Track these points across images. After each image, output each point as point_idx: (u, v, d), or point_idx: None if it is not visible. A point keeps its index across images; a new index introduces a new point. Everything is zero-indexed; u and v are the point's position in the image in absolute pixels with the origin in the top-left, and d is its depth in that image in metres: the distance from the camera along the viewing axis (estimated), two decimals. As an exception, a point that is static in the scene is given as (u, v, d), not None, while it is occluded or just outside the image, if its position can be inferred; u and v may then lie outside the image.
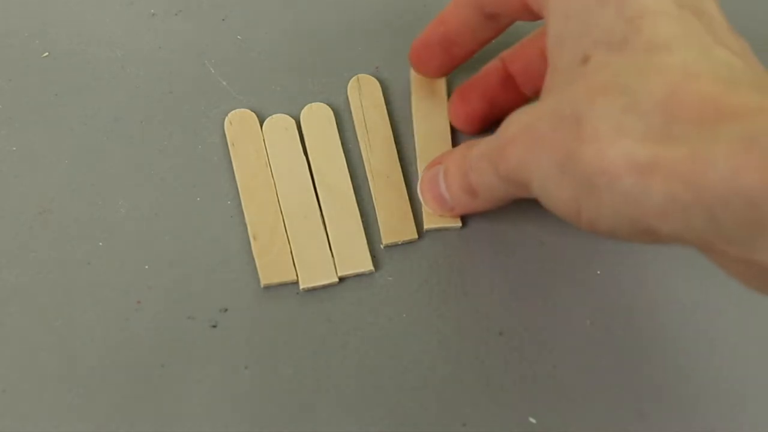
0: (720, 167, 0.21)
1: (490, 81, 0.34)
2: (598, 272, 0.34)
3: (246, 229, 0.33)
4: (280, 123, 0.35)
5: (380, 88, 0.36)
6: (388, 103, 0.36)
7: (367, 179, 0.35)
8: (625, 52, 0.24)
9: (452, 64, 0.35)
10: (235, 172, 0.34)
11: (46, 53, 0.37)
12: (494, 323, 0.33)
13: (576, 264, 0.34)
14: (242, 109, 0.35)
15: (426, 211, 0.34)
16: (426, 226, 0.34)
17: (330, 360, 0.32)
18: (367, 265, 0.33)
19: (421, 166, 0.35)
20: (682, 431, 0.31)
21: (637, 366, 0.32)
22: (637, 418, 0.31)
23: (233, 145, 0.35)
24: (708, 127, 0.22)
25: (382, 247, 0.34)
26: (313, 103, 0.36)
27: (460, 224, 0.34)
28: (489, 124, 0.35)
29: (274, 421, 0.31)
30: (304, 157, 0.35)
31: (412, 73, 0.36)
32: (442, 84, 0.36)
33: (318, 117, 0.35)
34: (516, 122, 0.27)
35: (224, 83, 0.36)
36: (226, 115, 0.35)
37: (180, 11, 0.38)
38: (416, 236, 0.34)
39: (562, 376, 0.32)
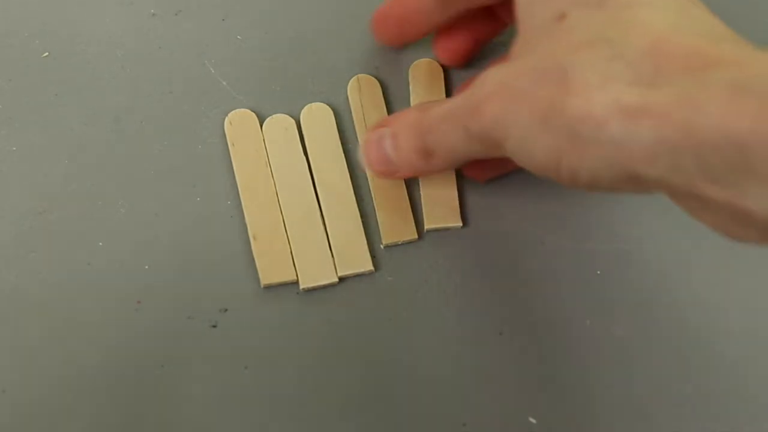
0: (710, 112, 0.21)
1: (471, 14, 0.34)
2: (598, 272, 0.34)
3: (246, 229, 0.33)
4: (280, 123, 0.35)
5: (380, 88, 0.36)
6: (388, 103, 0.36)
7: (367, 179, 0.35)
8: (602, 9, 0.25)
9: (407, 40, 0.36)
10: (235, 172, 0.34)
11: (46, 53, 0.37)
12: (494, 323, 0.33)
13: (576, 264, 0.34)
14: (242, 109, 0.35)
15: (427, 211, 0.34)
16: (427, 226, 0.34)
17: (330, 360, 0.32)
18: (367, 265, 0.33)
19: None
20: (682, 431, 0.31)
21: (637, 366, 0.32)
22: (637, 418, 0.31)
23: (233, 145, 0.35)
24: (695, 74, 0.22)
25: (382, 247, 0.34)
26: (313, 103, 0.36)
27: (460, 224, 0.34)
28: (473, 56, 0.36)
29: (274, 421, 0.31)
30: (304, 157, 0.35)
31: (411, 74, 0.36)
32: (440, 85, 0.36)
33: (318, 117, 0.35)
34: (491, 80, 0.27)
35: (224, 83, 0.36)
36: (226, 115, 0.35)
37: (180, 11, 0.38)
38: (416, 236, 0.34)
39: (562, 376, 0.32)
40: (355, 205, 0.34)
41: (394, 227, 0.34)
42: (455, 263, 0.34)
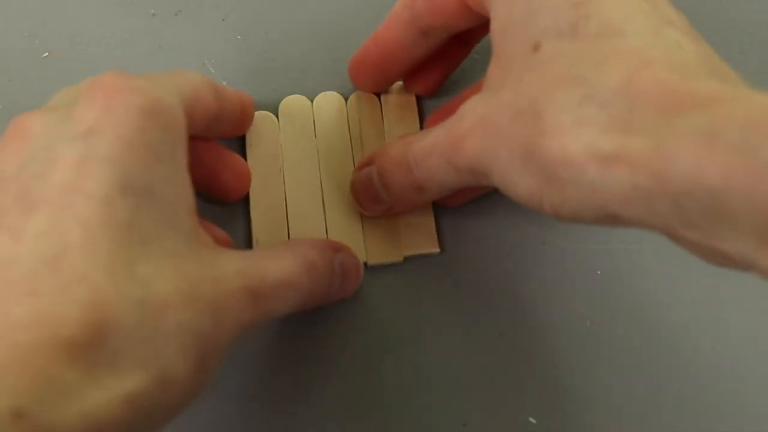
0: (683, 162, 0.21)
1: (443, 43, 0.34)
2: (598, 272, 0.34)
3: (249, 230, 0.33)
4: (295, 104, 0.35)
5: (379, 106, 0.36)
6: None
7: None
8: (576, 40, 0.25)
9: (389, 81, 0.35)
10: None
11: (46, 53, 0.37)
12: (494, 324, 0.33)
13: (576, 264, 0.34)
14: (264, 112, 0.35)
15: (404, 238, 0.33)
16: (404, 253, 0.33)
17: (330, 360, 0.32)
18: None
19: None
20: (682, 431, 0.31)
21: (637, 366, 0.32)
22: (637, 418, 0.31)
23: (251, 146, 0.34)
24: (668, 116, 0.22)
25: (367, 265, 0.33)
26: (326, 92, 0.35)
27: (437, 250, 0.33)
28: (444, 82, 0.36)
29: (274, 421, 0.31)
30: (316, 155, 0.34)
31: (383, 101, 0.36)
32: (414, 111, 0.36)
33: (330, 105, 0.35)
34: (470, 114, 0.27)
35: (224, 83, 0.36)
36: (226, 115, 0.35)
37: (180, 11, 0.38)
38: (401, 258, 0.33)
39: (562, 376, 0.32)
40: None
41: (380, 248, 0.33)
42: (455, 264, 0.34)
